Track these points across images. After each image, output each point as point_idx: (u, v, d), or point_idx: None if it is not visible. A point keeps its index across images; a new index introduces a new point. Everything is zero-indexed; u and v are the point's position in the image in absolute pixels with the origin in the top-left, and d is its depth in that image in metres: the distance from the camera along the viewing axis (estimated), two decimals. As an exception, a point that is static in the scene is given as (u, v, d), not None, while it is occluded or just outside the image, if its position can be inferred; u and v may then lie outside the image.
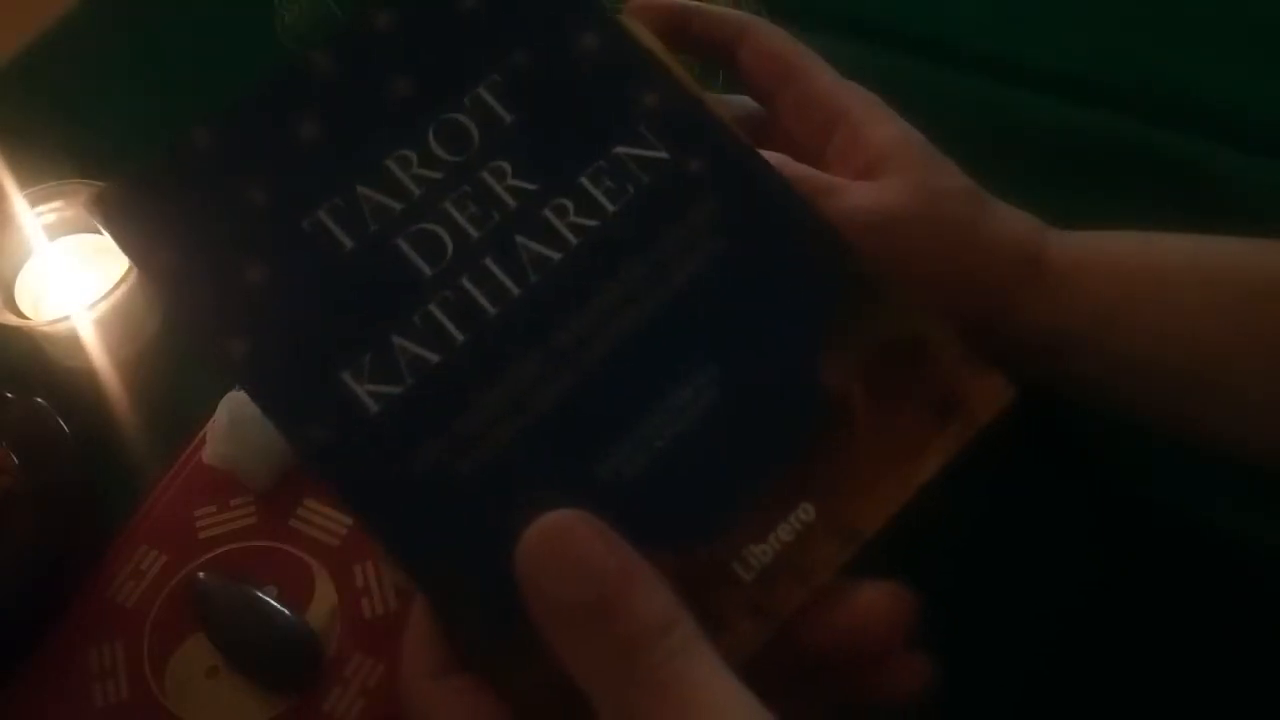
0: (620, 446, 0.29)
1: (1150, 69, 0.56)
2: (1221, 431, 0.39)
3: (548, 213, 0.31)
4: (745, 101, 0.43)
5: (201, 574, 0.44)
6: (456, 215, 0.31)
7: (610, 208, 0.31)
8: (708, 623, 0.27)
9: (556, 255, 0.31)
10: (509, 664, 0.28)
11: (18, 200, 0.51)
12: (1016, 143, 0.54)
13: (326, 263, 0.30)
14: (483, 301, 0.30)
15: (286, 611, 0.43)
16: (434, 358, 0.29)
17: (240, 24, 0.62)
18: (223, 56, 0.61)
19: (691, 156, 0.32)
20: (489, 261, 0.30)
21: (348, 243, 0.30)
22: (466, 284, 0.30)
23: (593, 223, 0.31)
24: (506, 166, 0.31)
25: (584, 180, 0.31)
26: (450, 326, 0.30)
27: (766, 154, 0.37)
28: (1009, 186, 0.40)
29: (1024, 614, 0.43)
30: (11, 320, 0.49)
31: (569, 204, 0.31)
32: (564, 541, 0.27)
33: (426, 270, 0.30)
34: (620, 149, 0.32)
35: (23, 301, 0.51)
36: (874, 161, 0.38)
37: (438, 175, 0.31)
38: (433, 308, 0.30)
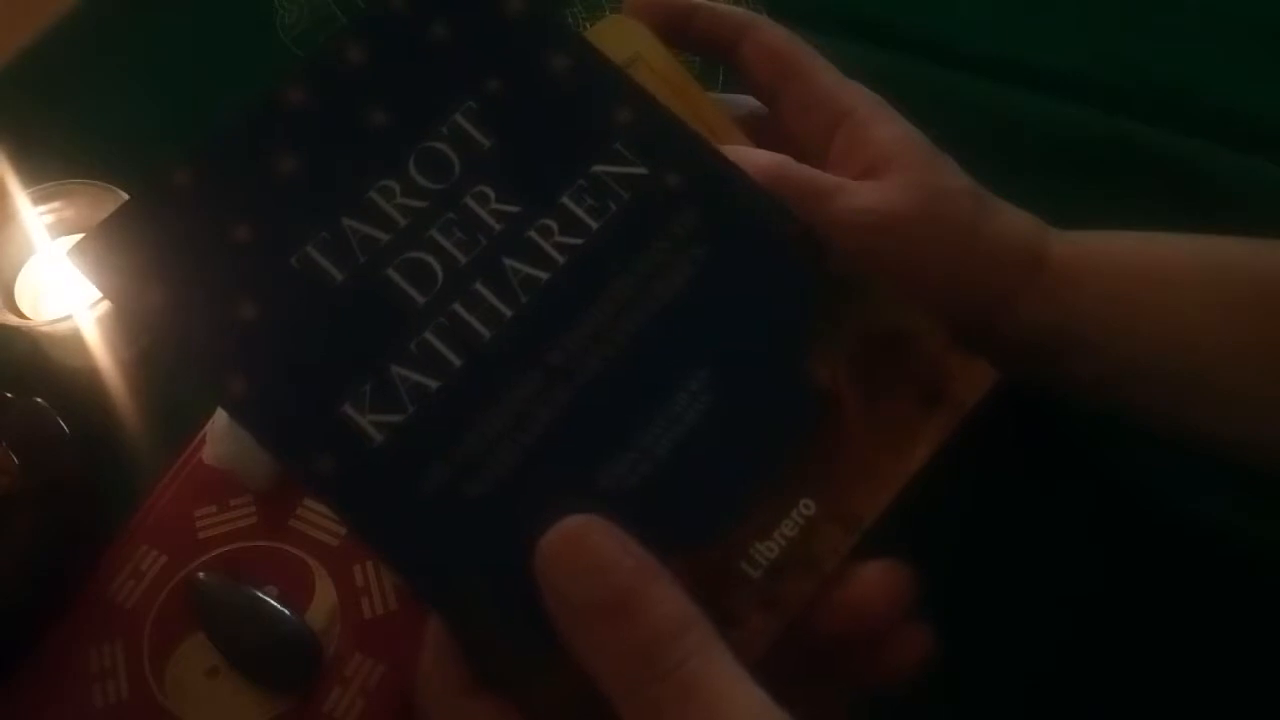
0: (622, 456, 0.30)
1: (1150, 69, 0.56)
2: (1222, 432, 0.39)
3: (533, 234, 0.31)
4: (747, 100, 0.43)
5: (201, 574, 0.44)
6: (444, 242, 0.31)
7: (594, 225, 0.32)
8: (720, 621, 0.27)
9: (545, 275, 0.31)
10: (530, 678, 0.28)
11: (18, 200, 0.51)
12: (1016, 143, 0.54)
13: (318, 297, 0.30)
14: (476, 325, 0.31)
15: (286, 611, 0.43)
16: (433, 384, 0.30)
17: (241, 24, 0.62)
18: (223, 56, 0.61)
19: (669, 170, 0.32)
20: (479, 286, 0.31)
21: (338, 276, 0.31)
22: (459, 309, 0.31)
23: (578, 241, 0.31)
24: (489, 191, 0.32)
25: (566, 200, 0.32)
26: (447, 352, 0.30)
27: (769, 154, 0.37)
28: (1009, 186, 0.40)
29: (1024, 614, 0.43)
30: (11, 320, 0.49)
31: (553, 224, 0.32)
32: (581, 544, 0.27)
33: (419, 298, 0.31)
34: (599, 167, 0.32)
35: (23, 301, 0.51)
36: (876, 161, 0.38)
37: (422, 204, 0.31)
38: (428, 335, 0.30)
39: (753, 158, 0.36)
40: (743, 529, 0.29)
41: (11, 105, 0.59)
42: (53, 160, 0.53)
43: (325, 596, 0.43)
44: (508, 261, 0.31)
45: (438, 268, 0.31)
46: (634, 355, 0.31)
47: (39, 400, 0.47)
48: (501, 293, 0.31)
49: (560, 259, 0.31)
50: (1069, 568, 0.44)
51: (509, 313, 0.31)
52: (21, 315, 0.50)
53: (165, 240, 0.31)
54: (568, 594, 0.27)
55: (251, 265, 0.31)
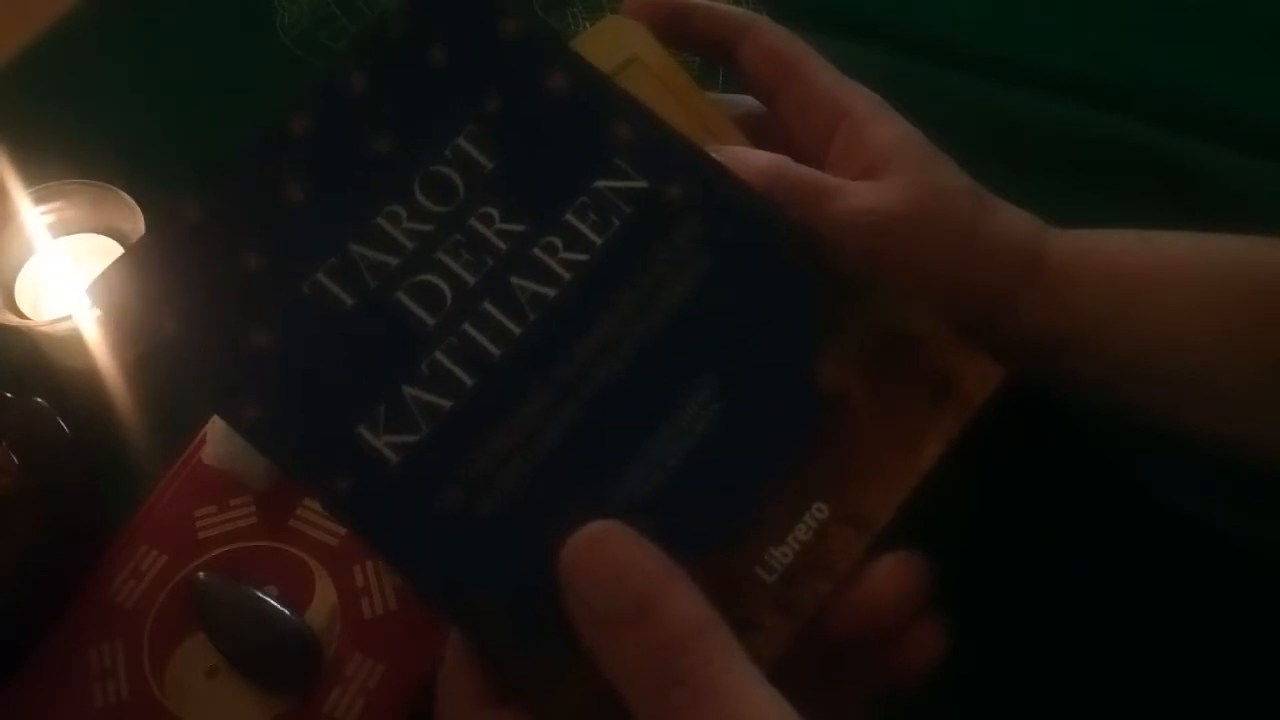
0: (634, 467, 0.30)
1: (1150, 69, 0.56)
2: (1222, 432, 0.39)
3: (538, 252, 0.32)
4: (747, 100, 0.43)
5: (201, 574, 0.44)
6: (451, 264, 0.32)
7: (598, 241, 0.32)
8: (737, 625, 0.27)
9: (552, 292, 0.31)
10: (548, 687, 0.28)
11: (18, 200, 0.51)
12: (1016, 143, 0.54)
13: (330, 322, 0.31)
14: (486, 344, 0.31)
15: (286, 611, 0.43)
16: (446, 404, 0.30)
17: (241, 24, 0.62)
18: (223, 56, 0.61)
19: (669, 182, 0.33)
20: (488, 305, 0.31)
21: (349, 301, 0.31)
22: (469, 329, 0.31)
23: (583, 257, 0.32)
24: (494, 212, 0.32)
25: (569, 217, 0.32)
26: (458, 372, 0.31)
27: (768, 155, 0.37)
28: (1009, 186, 0.40)
29: (1023, 613, 0.43)
30: (11, 320, 0.49)
31: (558, 242, 0.32)
32: (603, 549, 0.28)
33: (429, 320, 0.31)
34: (600, 183, 0.32)
35: (23, 301, 0.51)
36: (875, 161, 0.38)
37: (428, 227, 0.32)
38: (439, 355, 0.31)
39: (751, 159, 0.36)
40: (757, 534, 0.30)
41: (11, 105, 0.59)
42: (53, 160, 0.53)
43: (325, 596, 0.44)
44: (515, 280, 0.31)
45: (446, 289, 0.31)
46: (642, 367, 0.31)
47: (39, 400, 0.47)
48: (510, 311, 0.31)
49: (566, 275, 0.31)
50: (1069, 568, 0.44)
51: (518, 331, 0.31)
52: (21, 315, 0.50)
53: (179, 274, 0.31)
54: (589, 598, 0.27)
55: (264, 294, 0.31)
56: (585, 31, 0.42)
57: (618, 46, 0.40)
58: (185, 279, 0.31)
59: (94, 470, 0.47)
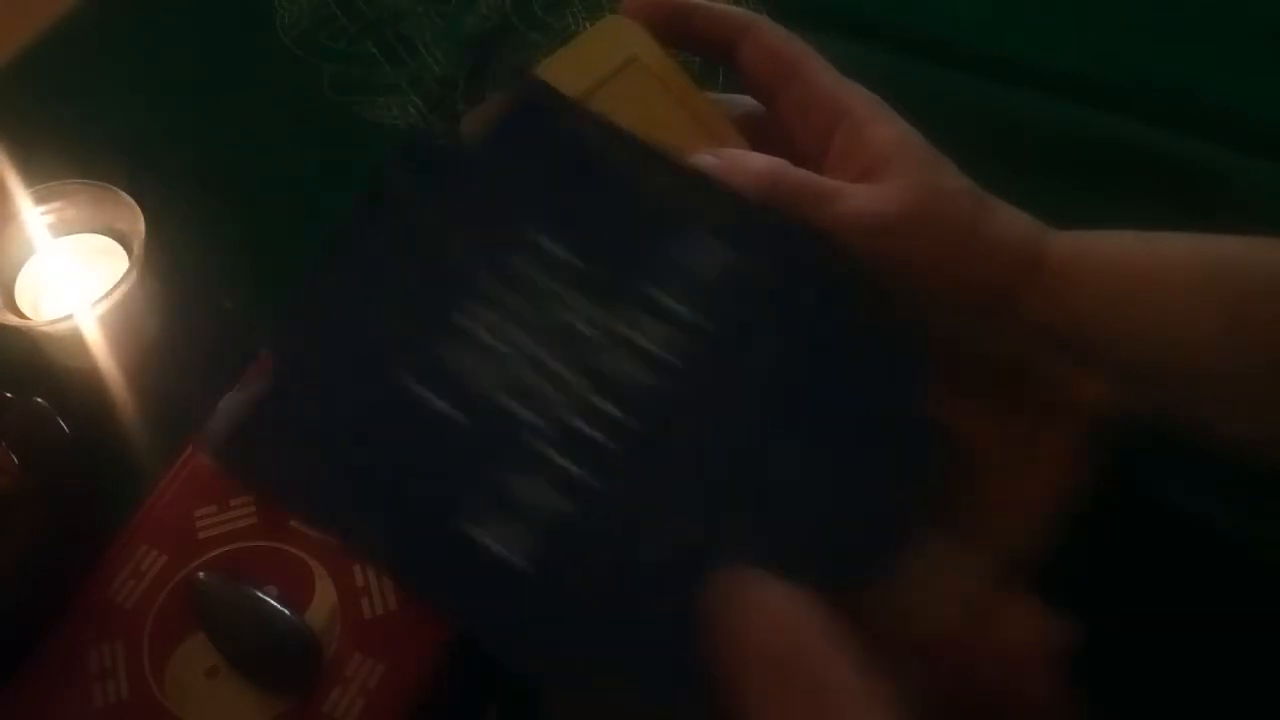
0: (755, 529, 0.30)
1: (1150, 69, 0.56)
2: (1221, 432, 0.39)
3: (628, 331, 0.32)
4: (747, 101, 0.43)
5: (201, 574, 0.44)
6: (545, 358, 0.31)
7: (688, 316, 0.32)
8: (870, 665, 0.27)
9: (650, 372, 0.31)
10: None
11: (18, 200, 0.51)
12: (1016, 143, 0.54)
13: (434, 434, 0.31)
14: (592, 433, 0.31)
15: (286, 611, 0.43)
16: (561, 500, 0.30)
17: (241, 24, 0.63)
18: (223, 56, 0.61)
19: (750, 249, 0.32)
20: (586, 394, 0.31)
21: (446, 407, 0.31)
22: (571, 421, 0.31)
23: (675, 333, 0.32)
24: (577, 300, 0.32)
25: (655, 294, 0.32)
26: (573, 469, 0.30)
27: (766, 159, 0.37)
28: (1009, 186, 0.40)
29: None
30: (11, 320, 0.49)
31: (647, 321, 0.32)
32: (760, 595, 0.27)
33: (534, 419, 0.31)
34: (680, 256, 0.32)
35: (23, 301, 0.51)
36: (875, 162, 0.38)
37: (514, 325, 0.32)
38: (549, 452, 0.30)
39: (749, 162, 0.36)
40: (885, 577, 0.29)
41: (11, 105, 0.59)
42: (53, 160, 0.53)
43: (325, 596, 0.44)
44: (610, 366, 0.31)
45: (545, 386, 0.31)
46: (753, 431, 0.31)
47: (39, 400, 0.47)
48: (612, 396, 0.31)
49: (662, 353, 0.31)
50: (1068, 568, 0.44)
51: (619, 414, 0.31)
52: (21, 315, 0.50)
53: (281, 426, 0.31)
54: (748, 642, 0.27)
55: (359, 413, 0.31)
56: (585, 32, 0.42)
57: (617, 46, 0.40)
58: (292, 429, 0.31)
59: (94, 470, 0.47)
